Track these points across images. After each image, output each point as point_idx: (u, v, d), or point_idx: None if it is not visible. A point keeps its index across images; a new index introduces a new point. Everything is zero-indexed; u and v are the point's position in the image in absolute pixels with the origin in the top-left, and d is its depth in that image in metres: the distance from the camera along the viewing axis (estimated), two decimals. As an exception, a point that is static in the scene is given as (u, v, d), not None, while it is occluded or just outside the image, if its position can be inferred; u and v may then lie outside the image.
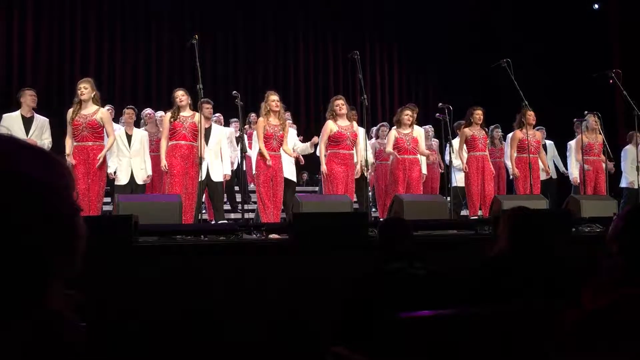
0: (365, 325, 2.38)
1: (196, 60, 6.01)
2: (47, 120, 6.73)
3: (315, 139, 6.92)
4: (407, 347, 2.06)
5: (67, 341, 0.97)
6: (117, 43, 11.25)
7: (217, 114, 8.45)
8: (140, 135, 7.10)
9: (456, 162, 7.71)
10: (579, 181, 7.82)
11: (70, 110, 6.02)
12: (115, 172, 6.81)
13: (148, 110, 7.71)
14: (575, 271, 2.63)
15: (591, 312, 1.57)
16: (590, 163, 7.72)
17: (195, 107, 6.36)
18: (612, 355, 1.50)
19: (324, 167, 6.58)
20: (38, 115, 6.67)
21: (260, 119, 6.40)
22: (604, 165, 7.79)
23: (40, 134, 6.56)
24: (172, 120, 6.21)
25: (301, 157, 7.20)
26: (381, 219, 6.00)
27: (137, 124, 7.53)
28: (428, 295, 2.49)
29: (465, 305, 2.46)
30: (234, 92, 6.58)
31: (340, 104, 6.63)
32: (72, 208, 0.78)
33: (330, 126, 6.63)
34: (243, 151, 6.66)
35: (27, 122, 6.55)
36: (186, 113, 6.26)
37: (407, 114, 7.08)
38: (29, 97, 6.60)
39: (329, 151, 6.61)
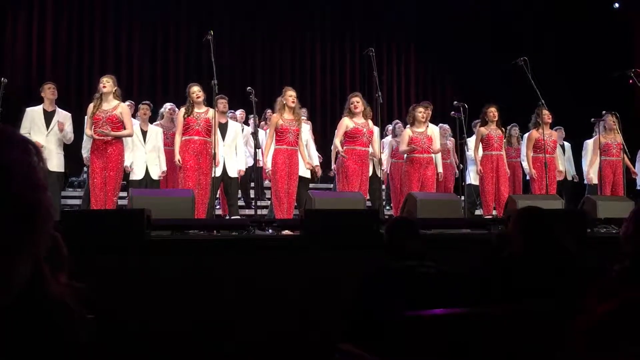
0: (373, 323, 2.37)
1: (212, 56, 6.03)
2: (69, 115, 6.81)
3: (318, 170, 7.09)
4: (414, 345, 2.05)
5: (72, 332, 0.98)
6: (135, 39, 11.33)
7: (239, 111, 8.48)
8: (155, 131, 7.16)
9: (470, 154, 7.63)
10: (592, 181, 7.73)
11: (91, 105, 6.12)
12: (131, 165, 6.85)
13: (171, 105, 7.72)
14: (590, 272, 2.60)
15: (601, 313, 1.56)
16: (608, 163, 7.63)
17: (210, 102, 6.39)
18: (623, 357, 1.48)
19: (341, 151, 6.51)
20: (60, 110, 6.77)
21: (275, 114, 6.41)
22: (622, 165, 7.70)
23: None
24: (185, 116, 6.25)
25: (319, 169, 7.36)
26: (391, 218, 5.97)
27: (153, 120, 7.58)
28: (438, 294, 2.48)
29: (474, 305, 2.45)
30: (248, 88, 6.59)
31: (355, 102, 6.61)
32: (35, 186, 0.76)
33: (346, 122, 6.61)
34: (257, 147, 6.67)
35: (48, 116, 6.64)
36: (200, 109, 6.29)
37: (421, 111, 7.02)
38: (48, 91, 6.71)
39: (344, 148, 6.59)
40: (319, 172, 7.73)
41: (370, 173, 6.85)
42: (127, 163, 6.76)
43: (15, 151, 0.77)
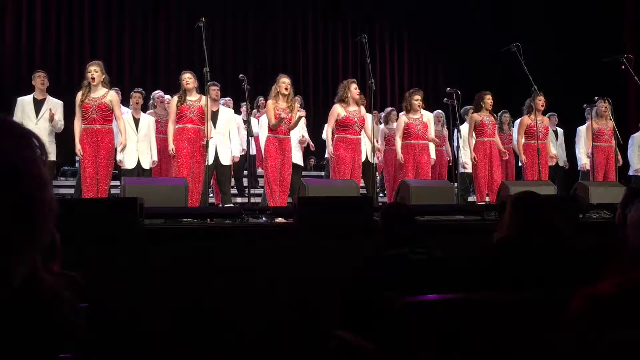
0: (367, 309, 2.38)
1: (203, 43, 5.99)
2: (61, 102, 6.74)
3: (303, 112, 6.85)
4: (408, 331, 2.06)
5: (64, 321, 0.97)
6: (125, 25, 11.23)
7: (227, 98, 8.43)
8: (148, 119, 7.10)
9: (465, 152, 7.64)
10: (587, 167, 7.76)
11: (80, 93, 6.03)
12: (122, 152, 6.80)
13: (159, 93, 7.67)
14: (583, 258, 2.61)
15: (595, 296, 1.56)
16: (600, 149, 7.65)
17: (202, 90, 6.34)
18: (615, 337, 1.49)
19: (330, 150, 6.56)
20: (51, 98, 6.71)
21: (270, 101, 6.38)
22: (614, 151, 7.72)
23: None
24: (178, 104, 6.20)
25: (311, 142, 7.24)
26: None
27: (145, 107, 7.52)
28: (429, 280, 2.48)
29: (467, 291, 2.46)
30: (241, 75, 6.55)
31: (355, 87, 6.57)
32: (39, 184, 0.74)
33: (337, 110, 6.58)
34: (250, 135, 6.65)
35: (38, 105, 6.59)
36: (193, 97, 6.25)
37: (418, 99, 7.02)
38: (38, 79, 6.67)
39: (336, 136, 6.58)
40: (308, 142, 7.67)
41: (363, 159, 6.85)
42: (119, 157, 6.71)
43: (20, 147, 0.75)
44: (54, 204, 0.77)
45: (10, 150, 0.72)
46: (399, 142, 6.96)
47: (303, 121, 7.62)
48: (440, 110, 8.46)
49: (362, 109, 6.71)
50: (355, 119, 6.54)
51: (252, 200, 6.64)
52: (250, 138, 6.74)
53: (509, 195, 3.95)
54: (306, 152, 8.19)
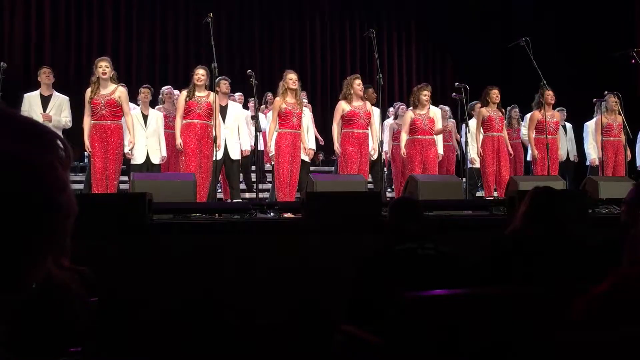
0: (374, 304, 2.38)
1: (211, 39, 5.99)
2: (67, 98, 6.77)
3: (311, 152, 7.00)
4: (415, 326, 2.06)
5: (73, 313, 0.99)
6: (133, 21, 11.24)
7: (237, 94, 8.44)
8: (156, 115, 7.12)
9: (472, 147, 7.61)
10: (597, 162, 7.71)
11: (89, 90, 6.05)
12: (131, 151, 6.84)
13: (168, 88, 7.68)
14: (593, 252, 2.61)
15: (594, 294, 1.57)
16: (609, 144, 7.60)
17: (210, 86, 6.36)
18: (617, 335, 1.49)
19: (337, 147, 6.58)
20: (57, 94, 6.73)
21: (277, 98, 6.39)
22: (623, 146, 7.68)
23: (59, 112, 6.62)
24: (187, 99, 6.22)
25: (320, 137, 7.26)
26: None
27: (154, 103, 7.54)
28: (437, 276, 2.49)
29: (475, 286, 2.46)
30: (249, 70, 6.56)
31: (359, 84, 6.59)
32: (56, 186, 0.72)
33: (342, 106, 6.59)
34: (258, 130, 6.66)
35: (45, 101, 6.62)
36: (202, 93, 6.26)
37: (426, 94, 7.00)
38: (43, 75, 6.70)
39: (343, 131, 6.59)
40: (311, 155, 7.68)
41: (375, 156, 6.85)
42: (127, 148, 6.74)
43: (41, 150, 0.74)
44: (73, 206, 0.76)
45: (31, 152, 0.72)
46: (404, 137, 6.95)
47: (310, 117, 7.62)
48: (444, 106, 8.43)
49: (367, 103, 6.71)
50: (361, 112, 6.55)
51: (261, 195, 6.65)
52: (258, 133, 6.75)
53: (515, 191, 3.95)
54: (316, 148, 8.18)
